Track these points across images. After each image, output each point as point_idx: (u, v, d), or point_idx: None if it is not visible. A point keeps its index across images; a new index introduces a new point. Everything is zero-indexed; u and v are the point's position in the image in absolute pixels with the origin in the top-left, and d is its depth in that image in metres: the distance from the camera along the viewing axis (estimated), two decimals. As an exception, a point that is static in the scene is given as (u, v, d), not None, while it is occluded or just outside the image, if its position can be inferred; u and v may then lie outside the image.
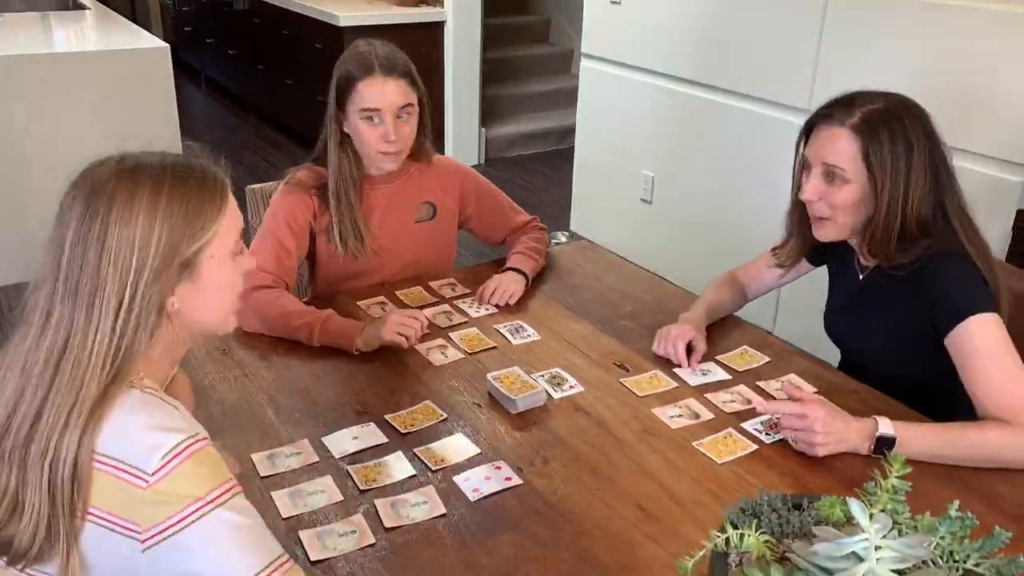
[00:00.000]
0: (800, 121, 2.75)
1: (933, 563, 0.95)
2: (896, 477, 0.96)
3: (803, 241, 1.62)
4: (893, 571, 0.90)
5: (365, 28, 4.66)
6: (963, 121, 2.29)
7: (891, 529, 0.93)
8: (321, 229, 1.82)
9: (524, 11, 6.41)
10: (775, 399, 1.47)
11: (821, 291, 1.71)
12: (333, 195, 1.78)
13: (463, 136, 5.07)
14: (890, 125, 1.40)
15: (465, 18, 4.88)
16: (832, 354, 1.71)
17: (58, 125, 3.52)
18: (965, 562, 0.96)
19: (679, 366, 1.57)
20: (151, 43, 3.87)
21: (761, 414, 1.42)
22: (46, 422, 0.91)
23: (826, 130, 1.44)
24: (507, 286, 1.82)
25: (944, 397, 1.50)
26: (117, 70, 3.63)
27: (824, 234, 1.50)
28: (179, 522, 0.89)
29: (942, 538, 0.98)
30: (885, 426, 1.33)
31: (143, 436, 0.91)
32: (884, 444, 1.31)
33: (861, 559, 0.91)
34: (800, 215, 1.58)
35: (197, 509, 0.90)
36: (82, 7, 4.87)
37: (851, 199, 1.43)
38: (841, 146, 1.41)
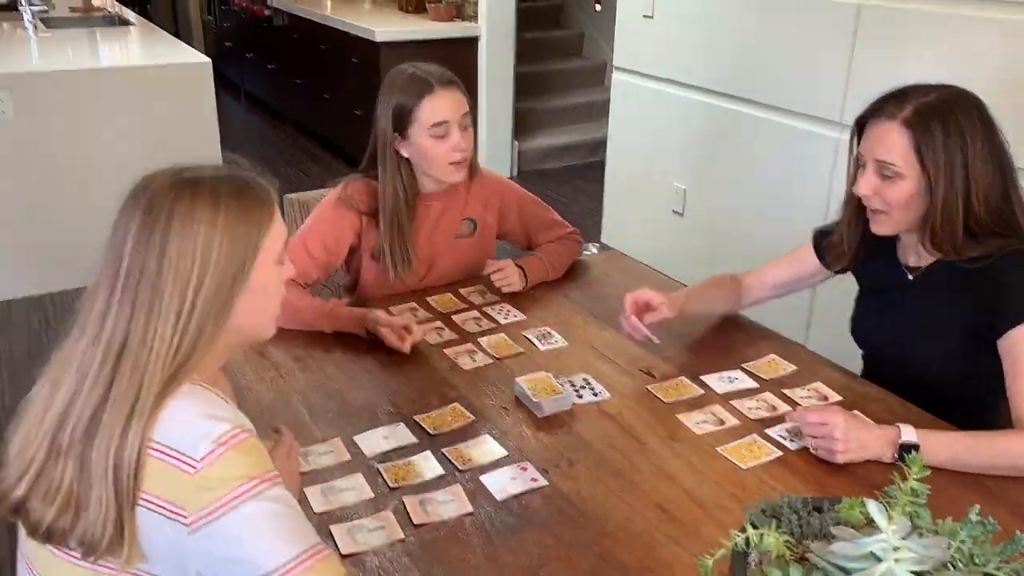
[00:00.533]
0: (831, 134, 2.78)
1: (953, 566, 0.96)
2: (915, 479, 0.98)
3: (856, 236, 1.58)
4: (912, 572, 0.92)
5: (401, 43, 4.75)
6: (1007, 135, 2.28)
7: (911, 531, 0.95)
8: (367, 247, 1.87)
9: (558, 25, 6.48)
10: (800, 407, 1.48)
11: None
12: (387, 223, 1.82)
13: (496, 148, 5.13)
14: (943, 117, 1.38)
15: (499, 33, 4.94)
16: (858, 367, 1.71)
17: (103, 138, 3.63)
18: (985, 566, 0.97)
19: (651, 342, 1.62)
20: (194, 58, 3.99)
21: (786, 421, 1.43)
22: (107, 419, 0.95)
23: (877, 126, 1.43)
24: (509, 274, 1.87)
25: (976, 410, 1.50)
26: (160, 84, 3.74)
27: (880, 228, 1.49)
28: (222, 507, 0.93)
29: (962, 542, 0.98)
30: (908, 433, 1.33)
31: (194, 425, 0.95)
32: (907, 451, 1.32)
33: (879, 559, 0.92)
34: (854, 210, 1.56)
35: (240, 495, 0.94)
36: (127, 23, 5.02)
37: (905, 195, 1.42)
38: (892, 141, 1.40)
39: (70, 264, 3.71)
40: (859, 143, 1.49)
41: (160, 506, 0.94)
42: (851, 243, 1.60)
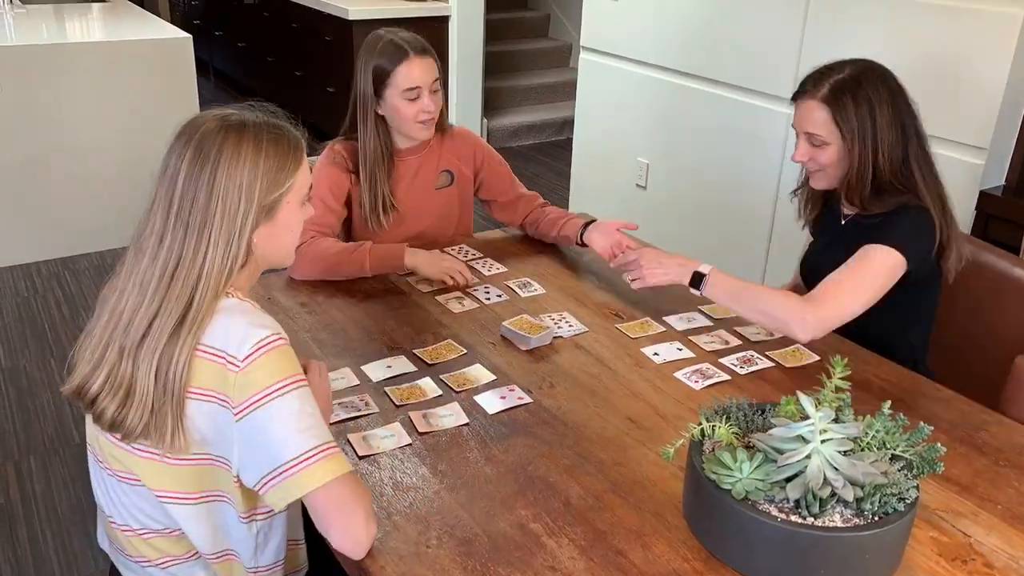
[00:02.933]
0: (784, 110, 3.00)
1: (868, 449, 1.18)
2: (839, 379, 1.19)
3: (810, 189, 1.86)
4: (836, 452, 1.13)
5: (374, 21, 4.88)
6: (932, 107, 2.50)
7: (833, 420, 1.16)
8: (357, 203, 2.06)
9: (524, 7, 6.64)
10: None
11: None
12: (368, 175, 2.02)
13: (466, 125, 5.27)
14: (853, 91, 1.65)
15: (468, 13, 5.10)
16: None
17: (84, 111, 3.74)
18: (896, 448, 1.19)
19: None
20: (174, 34, 4.10)
21: (738, 351, 1.66)
22: (157, 325, 1.12)
23: (803, 104, 1.71)
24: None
25: (890, 341, 1.73)
26: (141, 59, 3.84)
27: (818, 184, 1.77)
28: (259, 400, 1.10)
29: (877, 431, 1.21)
30: (704, 267, 1.67)
31: (239, 330, 1.12)
32: (697, 279, 1.66)
33: (807, 441, 1.14)
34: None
35: (273, 392, 1.10)
36: (102, 0, 5.08)
37: (832, 157, 1.69)
38: (815, 116, 1.68)
39: (57, 233, 3.84)
40: (793, 118, 1.75)
41: (213, 397, 1.11)
42: (811, 198, 1.90)
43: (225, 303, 1.15)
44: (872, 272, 1.61)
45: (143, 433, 1.13)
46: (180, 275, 1.13)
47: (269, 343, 1.12)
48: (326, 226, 1.99)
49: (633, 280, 1.75)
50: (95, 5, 4.93)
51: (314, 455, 1.09)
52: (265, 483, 1.10)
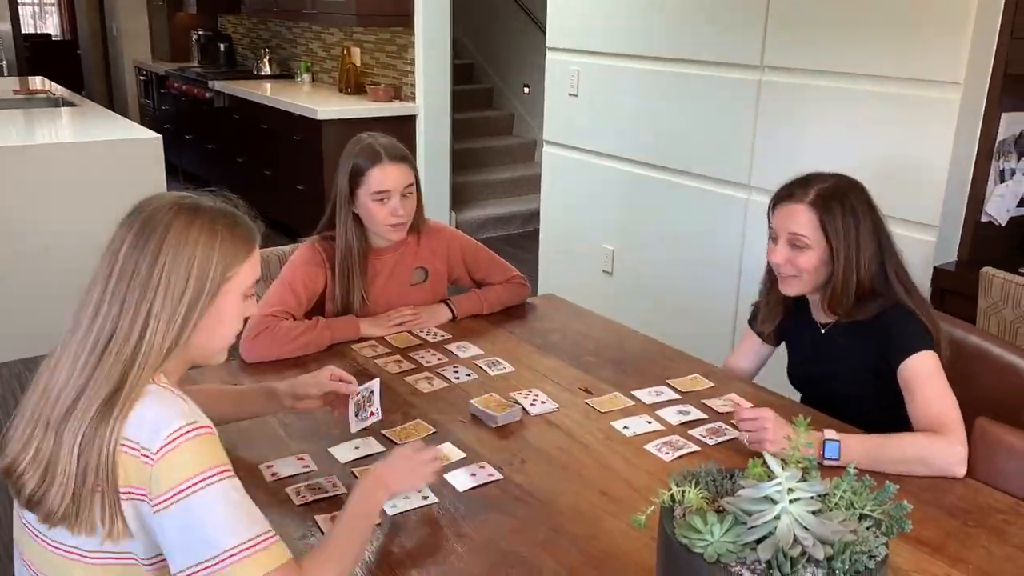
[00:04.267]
0: (741, 195, 3.10)
1: (836, 507, 1.19)
2: (803, 440, 1.20)
3: (775, 296, 1.86)
4: (805, 512, 1.13)
5: (342, 121, 5.01)
6: (881, 189, 2.59)
7: (800, 479, 1.17)
8: (331, 296, 2.09)
9: (490, 107, 6.86)
10: (738, 406, 1.70)
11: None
12: (341, 270, 2.07)
13: (435, 218, 5.37)
14: (840, 200, 1.70)
15: (435, 112, 5.26)
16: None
17: (55, 211, 3.76)
18: (863, 508, 1.20)
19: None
20: (143, 134, 4.17)
21: (706, 423, 1.66)
22: (83, 402, 1.07)
23: (788, 206, 1.74)
24: (429, 318, 2.16)
25: (889, 428, 1.75)
26: (112, 159, 3.89)
27: (789, 289, 1.77)
28: (177, 494, 1.03)
29: (844, 491, 1.21)
30: (830, 433, 1.56)
31: (154, 420, 1.06)
32: (830, 447, 1.53)
33: (775, 502, 1.14)
34: (772, 275, 1.84)
35: (194, 484, 1.04)
36: (71, 104, 5.17)
37: (813, 262, 1.72)
38: (802, 219, 1.71)
39: (20, 334, 3.79)
40: (772, 220, 1.78)
41: (131, 492, 1.06)
42: (774, 307, 1.89)
43: (148, 391, 1.10)
44: (937, 378, 1.62)
45: (63, 517, 1.07)
46: (112, 349, 1.09)
47: (183, 434, 1.06)
48: (287, 312, 2.01)
49: (753, 443, 1.56)
50: (64, 109, 5.01)
51: (247, 548, 1.04)
52: (193, 573, 1.04)
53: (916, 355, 1.63)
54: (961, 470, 1.53)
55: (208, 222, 1.16)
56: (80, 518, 1.06)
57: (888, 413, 1.74)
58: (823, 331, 1.83)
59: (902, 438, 1.58)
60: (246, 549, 1.04)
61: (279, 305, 1.99)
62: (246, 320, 1.28)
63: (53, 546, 1.11)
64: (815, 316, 1.85)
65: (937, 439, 1.55)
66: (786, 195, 1.75)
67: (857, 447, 1.55)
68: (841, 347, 1.79)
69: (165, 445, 1.05)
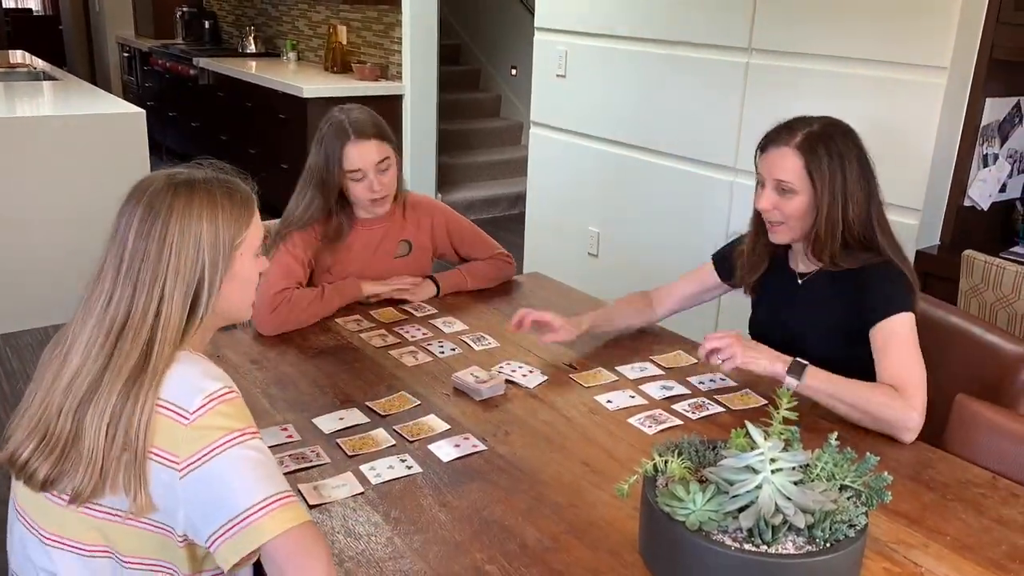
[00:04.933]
0: (727, 178, 3.10)
1: (817, 478, 1.20)
2: (786, 410, 1.21)
3: (757, 244, 1.84)
4: (787, 481, 1.14)
5: (328, 99, 4.97)
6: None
7: (783, 450, 1.18)
8: (319, 265, 2.10)
9: (477, 88, 6.83)
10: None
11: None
12: (327, 242, 2.08)
13: (420, 200, 5.37)
14: (826, 142, 1.67)
15: (422, 93, 5.23)
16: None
17: (38, 184, 3.71)
18: (844, 479, 1.21)
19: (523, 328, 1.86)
20: (126, 108, 4.12)
21: (688, 398, 1.67)
22: (107, 382, 1.09)
23: (774, 151, 1.71)
24: (415, 292, 2.17)
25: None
26: (96, 133, 3.84)
27: (778, 237, 1.75)
28: (209, 452, 1.07)
29: (825, 463, 1.22)
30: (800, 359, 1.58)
31: (191, 382, 1.10)
32: (796, 369, 1.56)
33: (757, 472, 1.15)
34: (758, 222, 1.81)
35: (224, 443, 1.08)
36: (53, 78, 5.10)
37: (800, 207, 1.69)
38: (787, 163, 1.68)
39: (14, 306, 3.75)
40: (759, 166, 1.76)
41: (158, 455, 1.08)
42: (761, 254, 1.86)
43: (180, 356, 1.14)
44: (912, 343, 1.61)
45: (94, 492, 1.08)
46: (128, 332, 1.11)
47: (221, 395, 1.10)
48: (297, 282, 2.03)
49: (724, 360, 1.59)
50: (46, 83, 4.94)
51: (271, 503, 1.06)
52: (219, 536, 1.06)
53: (894, 316, 1.63)
54: (909, 436, 1.54)
55: (206, 195, 1.18)
56: (115, 491, 1.08)
57: (853, 375, 1.74)
58: (800, 282, 1.81)
59: (863, 386, 1.58)
60: (271, 503, 1.06)
61: (286, 279, 1.99)
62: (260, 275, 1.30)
63: (86, 511, 1.12)
64: (793, 266, 1.82)
65: (897, 398, 1.55)
66: (772, 139, 1.72)
67: (821, 375, 1.56)
68: (816, 299, 1.77)
69: (203, 406, 1.08)
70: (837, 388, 1.57)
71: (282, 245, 2.04)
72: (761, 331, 1.92)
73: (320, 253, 2.08)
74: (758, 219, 1.81)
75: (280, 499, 1.08)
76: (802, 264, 1.81)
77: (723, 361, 1.58)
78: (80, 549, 1.13)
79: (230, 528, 1.05)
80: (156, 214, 1.14)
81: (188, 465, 1.07)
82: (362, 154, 2.02)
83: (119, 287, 1.13)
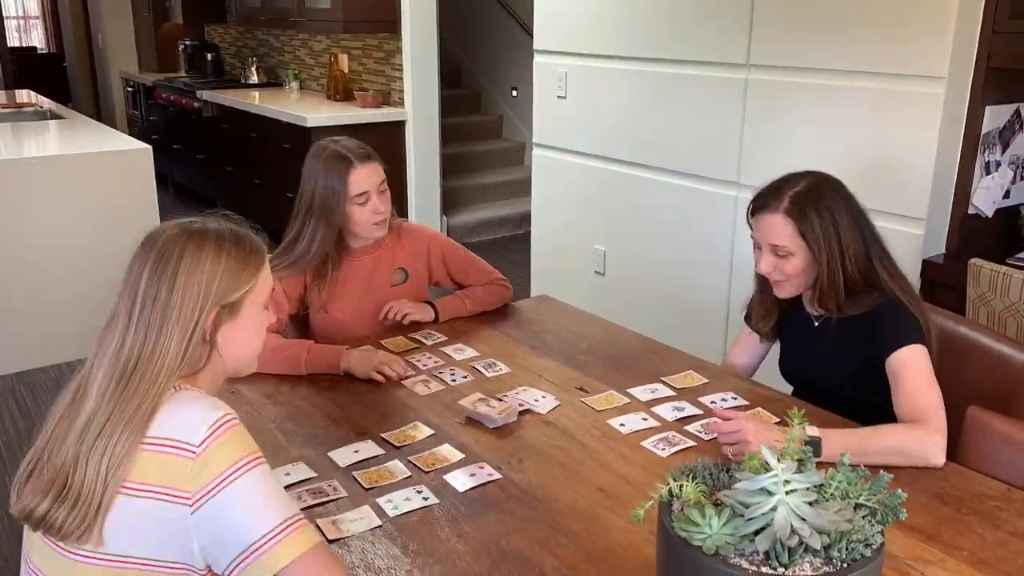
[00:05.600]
0: (730, 193, 3.12)
1: (832, 498, 1.20)
2: (797, 426, 1.22)
3: (772, 300, 1.88)
4: (803, 503, 1.15)
5: (332, 128, 5.02)
6: (868, 184, 2.63)
7: (796, 471, 1.18)
8: (313, 301, 2.11)
9: (478, 111, 6.88)
10: (713, 421, 1.69)
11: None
12: (316, 277, 2.10)
13: (427, 224, 5.37)
14: (815, 202, 1.71)
15: (424, 117, 5.27)
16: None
17: (48, 222, 3.75)
18: (859, 498, 1.21)
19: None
20: (132, 145, 4.17)
21: (701, 419, 1.68)
22: (111, 424, 1.10)
23: (764, 217, 1.75)
24: (416, 313, 2.16)
25: (877, 417, 1.77)
26: (104, 170, 3.89)
27: (783, 293, 1.80)
28: (220, 483, 1.08)
29: (839, 482, 1.23)
30: (811, 430, 1.56)
31: (192, 416, 1.11)
32: (811, 445, 1.55)
33: (772, 494, 1.15)
34: (761, 282, 1.87)
35: (235, 471, 1.08)
36: (59, 116, 5.16)
37: (798, 267, 1.73)
38: (778, 229, 1.72)
39: (12, 347, 3.78)
40: (752, 231, 1.80)
41: (162, 493, 1.08)
42: (770, 307, 1.91)
43: (174, 394, 1.14)
44: (924, 371, 1.63)
45: (83, 537, 1.08)
46: (137, 373, 1.13)
47: (224, 424, 1.11)
48: (277, 316, 2.01)
49: (735, 455, 1.54)
50: (52, 122, 5.00)
51: (283, 529, 1.08)
52: (236, 566, 1.08)
53: (905, 347, 1.65)
54: (939, 459, 1.54)
55: (216, 242, 1.20)
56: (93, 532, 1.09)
57: (877, 408, 1.75)
58: (816, 324, 1.85)
59: (882, 431, 1.58)
60: (284, 530, 1.08)
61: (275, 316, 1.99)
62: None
63: (61, 551, 1.12)
64: (808, 310, 1.86)
65: (915, 429, 1.56)
66: (761, 206, 1.76)
67: (839, 443, 1.54)
68: (833, 341, 1.81)
69: (209, 436, 1.09)
70: (857, 447, 1.55)
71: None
72: (787, 372, 1.97)
73: (310, 290, 2.10)
74: (761, 276, 1.85)
75: (293, 524, 1.09)
76: (814, 309, 1.85)
77: (733, 455, 1.55)
78: None
79: (246, 557, 1.07)
80: (167, 260, 1.17)
81: (199, 499, 1.08)
82: (367, 176, 2.06)
83: (131, 332, 1.15)
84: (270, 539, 1.07)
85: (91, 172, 3.87)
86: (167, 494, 1.09)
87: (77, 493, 1.10)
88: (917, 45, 2.49)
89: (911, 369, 1.64)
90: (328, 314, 2.12)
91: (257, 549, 1.07)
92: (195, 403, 1.14)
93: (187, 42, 7.46)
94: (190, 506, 1.08)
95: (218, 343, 1.20)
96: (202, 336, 1.17)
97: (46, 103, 5.66)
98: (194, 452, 1.09)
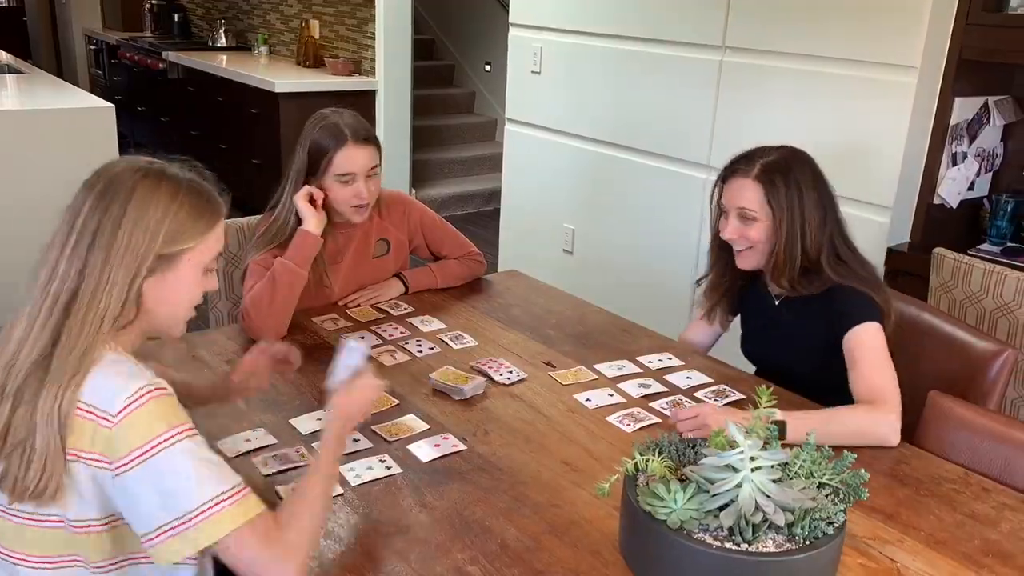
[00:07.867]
0: (700, 175, 3.12)
1: (796, 476, 1.21)
2: (766, 406, 1.23)
3: (726, 271, 1.89)
4: (767, 479, 1.15)
5: (300, 94, 4.94)
6: (837, 170, 2.64)
7: (762, 448, 1.19)
8: None
9: (451, 84, 6.81)
10: (673, 408, 1.67)
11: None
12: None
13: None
14: (784, 172, 1.73)
15: (395, 88, 5.20)
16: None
17: (4, 181, 3.63)
18: (822, 477, 1.22)
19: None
20: (96, 103, 4.05)
21: (667, 396, 1.68)
22: (56, 367, 1.05)
23: (735, 181, 1.77)
24: (382, 293, 2.14)
25: (837, 395, 1.79)
26: (65, 128, 3.77)
27: (745, 263, 1.81)
28: (141, 455, 1.03)
29: (803, 461, 1.24)
30: (777, 415, 1.57)
31: (111, 383, 1.06)
32: (780, 428, 1.56)
33: (737, 470, 1.16)
34: (719, 249, 1.88)
35: (156, 444, 1.03)
36: (18, 71, 5.00)
37: (762, 233, 1.75)
38: (748, 193, 1.74)
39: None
40: (721, 196, 1.81)
41: (84, 457, 1.05)
42: (731, 284, 1.92)
43: (105, 355, 1.09)
44: (879, 350, 1.65)
45: (35, 493, 1.04)
46: (77, 312, 1.07)
47: (142, 395, 1.05)
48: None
49: (694, 434, 1.49)
50: (10, 76, 4.84)
51: (218, 502, 1.04)
52: (160, 534, 1.03)
53: (860, 326, 1.67)
54: (894, 439, 1.56)
55: (172, 188, 1.14)
56: (52, 490, 1.05)
57: (835, 388, 1.77)
58: (776, 303, 1.86)
59: (841, 412, 1.60)
60: (218, 503, 1.04)
61: (261, 264, 1.95)
62: (206, 297, 1.25)
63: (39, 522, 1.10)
64: (769, 288, 1.87)
65: (873, 411, 1.58)
66: (733, 170, 1.79)
67: (802, 426, 1.54)
68: (792, 320, 1.82)
69: (125, 407, 1.04)
70: (819, 426, 1.54)
71: (251, 263, 1.99)
72: (747, 349, 1.98)
73: None
74: (721, 248, 1.86)
75: (229, 495, 1.05)
76: (773, 287, 1.85)
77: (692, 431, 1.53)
78: (47, 563, 1.11)
79: (173, 527, 1.03)
80: (115, 193, 1.10)
81: (121, 466, 1.04)
82: (359, 159, 1.99)
83: (64, 260, 1.09)
84: (204, 511, 1.03)
85: (49, 130, 3.75)
86: (87, 457, 1.05)
87: (29, 442, 1.05)
88: (891, 34, 2.50)
89: (867, 348, 1.66)
90: (309, 290, 2.04)
91: (188, 521, 1.03)
92: (119, 371, 1.08)
93: (153, 1, 7.28)
94: (113, 471, 1.04)
95: (145, 294, 1.12)
96: (139, 288, 1.11)
97: (4, 56, 5.48)
98: (112, 421, 1.04)
